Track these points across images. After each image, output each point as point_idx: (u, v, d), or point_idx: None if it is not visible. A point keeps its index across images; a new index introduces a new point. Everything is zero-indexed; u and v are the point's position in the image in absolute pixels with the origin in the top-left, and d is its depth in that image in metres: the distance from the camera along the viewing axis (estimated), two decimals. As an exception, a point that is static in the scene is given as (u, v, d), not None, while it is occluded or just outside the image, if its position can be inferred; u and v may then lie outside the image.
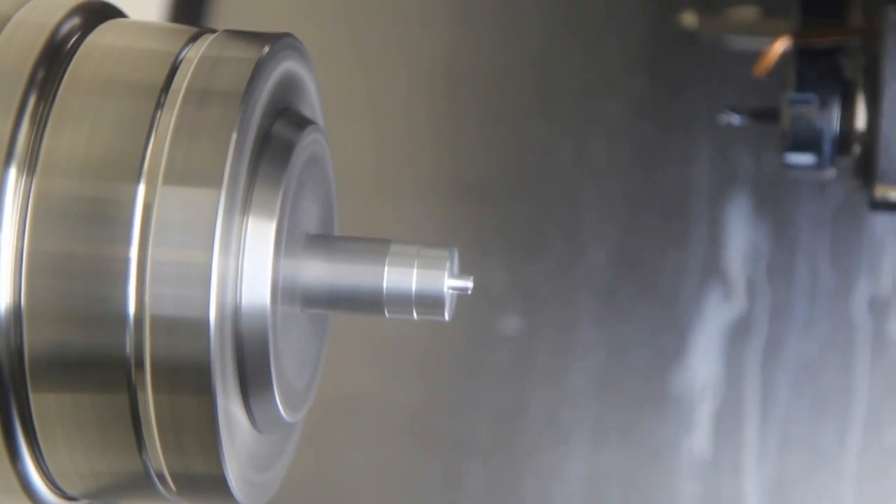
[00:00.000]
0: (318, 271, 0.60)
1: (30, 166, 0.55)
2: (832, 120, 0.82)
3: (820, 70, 0.83)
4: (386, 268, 0.60)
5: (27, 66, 0.56)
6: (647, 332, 1.09)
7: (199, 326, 0.53)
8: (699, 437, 1.07)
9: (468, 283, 0.61)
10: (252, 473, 0.60)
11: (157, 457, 0.56)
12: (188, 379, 0.54)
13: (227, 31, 0.60)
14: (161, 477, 0.57)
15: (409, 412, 1.10)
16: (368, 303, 0.61)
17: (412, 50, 1.17)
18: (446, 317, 0.61)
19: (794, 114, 0.81)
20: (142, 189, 0.54)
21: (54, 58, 0.57)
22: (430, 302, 0.60)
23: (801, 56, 0.83)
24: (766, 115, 0.85)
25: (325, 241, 0.62)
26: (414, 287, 0.60)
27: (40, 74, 0.56)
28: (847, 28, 0.86)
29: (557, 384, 1.09)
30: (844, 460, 1.06)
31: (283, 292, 0.58)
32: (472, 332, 1.09)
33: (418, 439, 1.09)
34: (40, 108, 0.56)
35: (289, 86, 0.61)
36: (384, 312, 0.61)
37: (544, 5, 1.14)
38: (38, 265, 0.54)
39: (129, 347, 0.54)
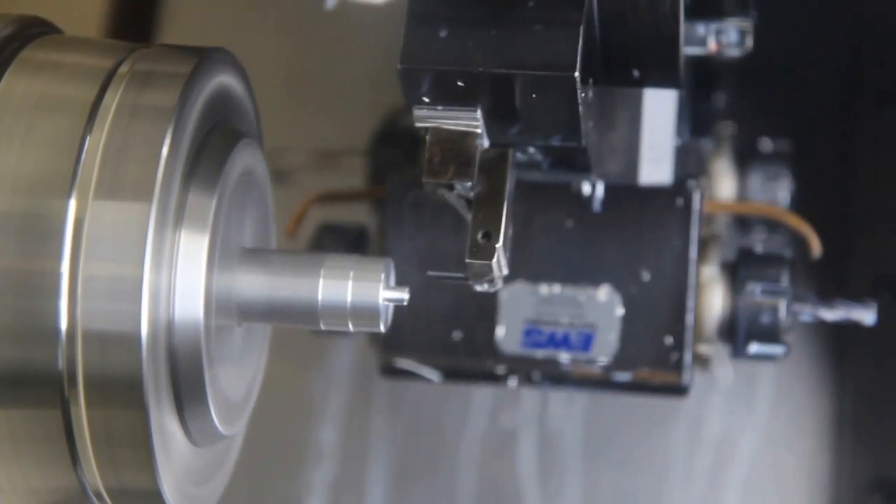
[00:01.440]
0: (253, 284, 0.60)
1: None
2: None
3: (342, 232, 0.83)
4: (321, 280, 0.60)
5: None
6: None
7: (131, 341, 0.53)
8: (328, 429, 1.13)
9: (403, 295, 0.61)
10: (189, 487, 0.60)
11: (92, 472, 0.56)
12: (121, 393, 0.54)
13: (161, 46, 0.60)
14: (97, 492, 0.57)
15: None
16: (304, 315, 0.60)
17: (352, 68, 1.15)
18: (382, 328, 0.61)
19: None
20: (73, 204, 0.54)
21: None
22: (366, 314, 0.60)
23: (325, 222, 0.83)
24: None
25: (260, 254, 0.61)
26: (349, 299, 0.60)
27: None
28: (362, 191, 0.86)
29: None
30: (466, 445, 1.12)
31: (218, 306, 0.58)
32: None
33: None
34: None
35: (222, 100, 0.61)
36: (320, 325, 0.61)
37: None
38: None
39: (61, 362, 0.54)
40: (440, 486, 1.12)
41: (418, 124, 0.64)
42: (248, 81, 0.64)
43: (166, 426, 0.57)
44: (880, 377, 1.07)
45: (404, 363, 0.80)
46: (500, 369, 0.79)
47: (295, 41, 1.20)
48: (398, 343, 0.80)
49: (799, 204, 0.92)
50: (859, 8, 1.10)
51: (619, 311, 0.78)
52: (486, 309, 0.79)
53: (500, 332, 0.79)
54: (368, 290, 0.60)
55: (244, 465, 1.17)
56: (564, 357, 0.78)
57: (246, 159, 0.61)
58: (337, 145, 1.03)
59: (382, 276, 0.60)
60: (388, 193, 0.79)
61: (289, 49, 1.20)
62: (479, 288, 0.65)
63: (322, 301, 0.60)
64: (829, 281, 1.06)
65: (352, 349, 1.12)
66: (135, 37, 1.17)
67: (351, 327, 0.61)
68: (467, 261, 0.64)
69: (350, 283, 0.60)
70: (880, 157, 1.08)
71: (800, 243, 0.86)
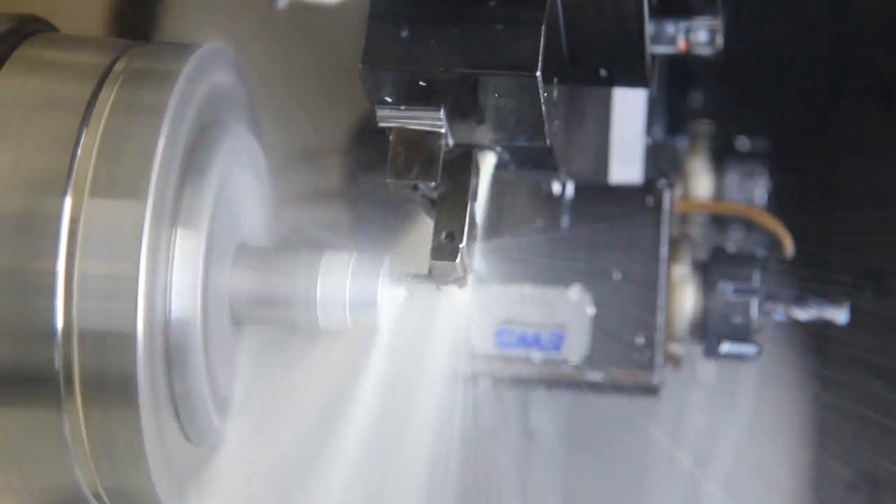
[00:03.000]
0: (251, 281, 0.60)
1: None
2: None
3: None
4: (319, 277, 0.60)
5: None
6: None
7: (127, 339, 0.53)
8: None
9: (402, 291, 0.61)
10: (185, 484, 0.60)
11: (90, 471, 0.56)
12: (117, 392, 0.54)
13: (156, 44, 0.61)
14: (94, 491, 0.57)
15: None
16: (302, 311, 0.60)
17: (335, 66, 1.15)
18: (381, 324, 0.61)
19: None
20: (68, 202, 0.54)
21: None
22: (365, 310, 0.60)
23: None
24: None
25: (257, 251, 0.61)
26: (348, 296, 0.60)
27: None
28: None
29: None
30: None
31: (215, 303, 0.58)
32: None
33: None
34: None
35: (218, 96, 0.61)
36: (318, 321, 0.61)
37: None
38: None
39: (58, 362, 0.54)
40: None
41: (381, 124, 0.64)
42: (245, 77, 0.63)
43: (163, 424, 0.57)
44: (862, 373, 1.07)
45: (376, 362, 0.80)
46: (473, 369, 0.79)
47: (282, 39, 1.20)
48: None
49: (779, 200, 0.92)
50: (840, 5, 1.09)
51: (590, 310, 0.77)
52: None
53: (471, 331, 0.79)
54: (367, 286, 0.60)
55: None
56: (536, 356, 0.78)
57: (243, 155, 0.61)
58: (317, 144, 1.03)
59: (381, 272, 0.60)
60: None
61: (277, 47, 1.20)
62: (444, 288, 0.65)
63: (321, 298, 0.60)
64: (810, 277, 1.05)
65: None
66: (138, 34, 1.17)
67: (349, 324, 0.60)
68: (431, 261, 0.63)
69: (349, 279, 0.60)
70: (861, 153, 1.08)
71: (778, 242, 0.86)
